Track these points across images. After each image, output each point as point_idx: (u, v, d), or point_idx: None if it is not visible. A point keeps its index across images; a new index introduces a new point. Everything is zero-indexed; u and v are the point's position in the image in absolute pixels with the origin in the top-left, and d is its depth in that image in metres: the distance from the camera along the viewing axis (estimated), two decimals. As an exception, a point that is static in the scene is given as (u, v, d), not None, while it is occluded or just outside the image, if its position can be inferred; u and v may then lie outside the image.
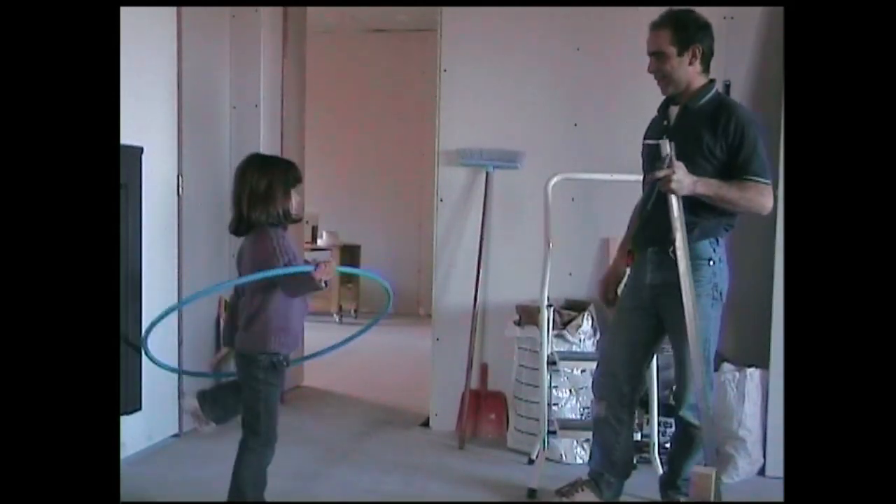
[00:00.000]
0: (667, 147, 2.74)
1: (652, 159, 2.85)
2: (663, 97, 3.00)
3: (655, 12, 2.95)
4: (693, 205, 2.77)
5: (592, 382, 3.18)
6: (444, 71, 4.20)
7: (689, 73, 2.88)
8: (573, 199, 4.06)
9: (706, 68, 2.91)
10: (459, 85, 4.19)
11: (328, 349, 3.19)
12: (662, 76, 2.91)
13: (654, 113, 3.06)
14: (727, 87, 3.82)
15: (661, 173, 2.72)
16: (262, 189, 2.79)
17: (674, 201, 2.73)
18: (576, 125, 4.10)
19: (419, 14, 7.42)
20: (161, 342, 3.80)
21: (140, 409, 3.49)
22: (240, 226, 2.84)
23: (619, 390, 3.05)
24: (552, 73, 4.13)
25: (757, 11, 3.91)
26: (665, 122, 2.97)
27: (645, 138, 3.04)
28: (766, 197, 2.80)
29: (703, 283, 2.81)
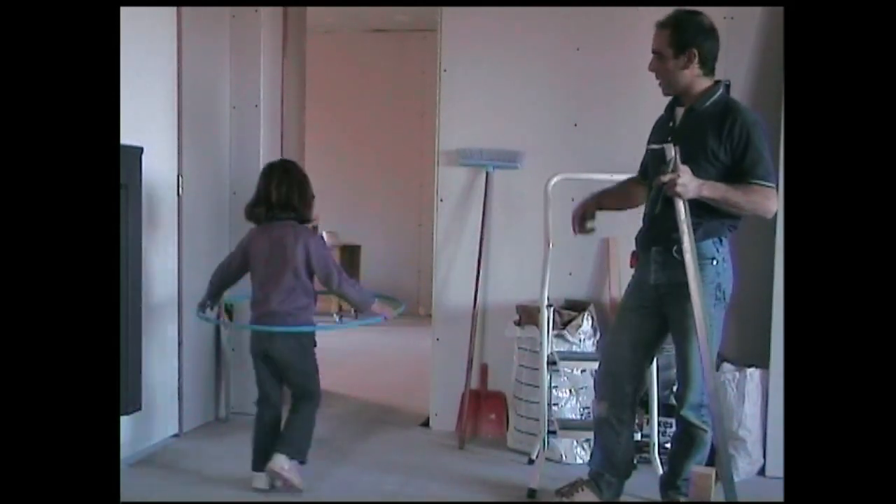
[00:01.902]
0: (671, 151, 2.73)
1: (657, 163, 2.84)
2: (667, 97, 3.00)
3: (656, 12, 2.95)
4: (697, 205, 2.77)
5: (594, 382, 3.18)
6: (444, 71, 4.20)
7: (687, 76, 2.87)
8: (573, 200, 4.04)
9: (709, 71, 2.90)
10: (459, 85, 4.18)
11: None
12: (660, 76, 2.92)
13: (653, 113, 3.07)
14: (727, 87, 3.81)
15: (665, 178, 2.72)
16: (308, 189, 3.36)
17: (679, 205, 2.73)
18: (576, 125, 4.10)
19: (419, 14, 7.42)
20: (161, 342, 3.81)
21: (140, 409, 3.49)
22: (269, 212, 3.30)
23: (620, 390, 3.05)
24: (552, 73, 4.12)
25: (757, 11, 3.91)
26: (671, 124, 2.97)
27: (650, 138, 3.03)
28: (770, 200, 2.80)
29: (706, 283, 2.80)
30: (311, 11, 5.26)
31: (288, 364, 3.32)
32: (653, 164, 2.93)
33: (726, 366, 3.63)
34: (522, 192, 4.12)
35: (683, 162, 2.73)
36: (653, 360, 3.26)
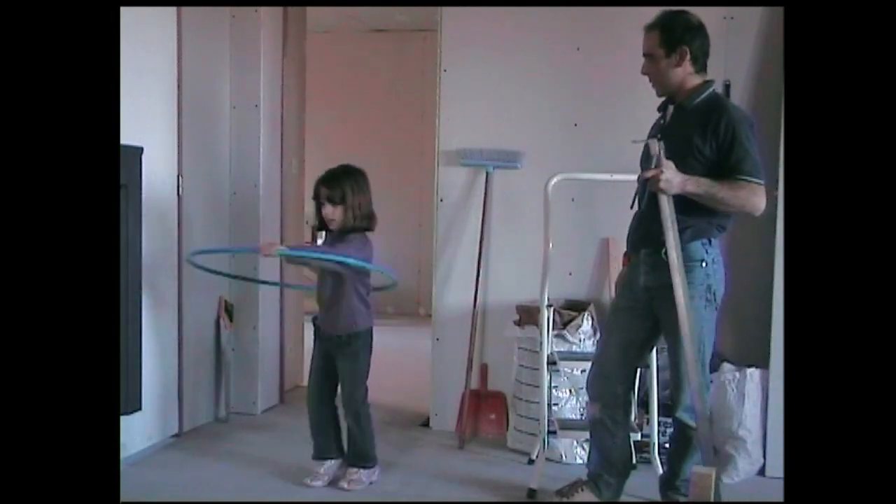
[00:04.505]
0: (655, 146, 2.74)
1: (643, 159, 2.85)
2: (661, 97, 3.00)
3: (656, 12, 2.95)
4: (685, 206, 2.76)
5: (586, 384, 3.18)
6: (444, 71, 4.20)
7: (679, 74, 2.87)
8: (573, 199, 4.06)
9: (701, 68, 2.90)
10: (459, 85, 4.18)
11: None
12: (653, 78, 2.93)
13: (653, 112, 3.07)
14: (727, 87, 3.82)
15: (649, 173, 2.72)
16: None
17: (664, 201, 2.72)
18: (576, 125, 4.09)
19: (419, 14, 7.42)
20: (161, 342, 3.81)
21: (140, 409, 3.49)
22: None
23: (612, 391, 3.05)
24: (552, 73, 4.12)
25: (757, 11, 3.91)
26: (662, 122, 2.98)
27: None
28: (758, 197, 2.77)
29: (695, 285, 2.80)
30: (311, 11, 5.26)
31: None
32: (641, 159, 2.95)
33: (726, 366, 3.63)
34: (522, 192, 4.12)
35: (671, 158, 2.73)
36: (645, 360, 3.27)
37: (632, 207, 3.02)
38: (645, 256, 2.93)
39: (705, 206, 2.79)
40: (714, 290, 2.86)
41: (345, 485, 3.36)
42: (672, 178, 2.70)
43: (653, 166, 2.72)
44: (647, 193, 2.82)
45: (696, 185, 2.74)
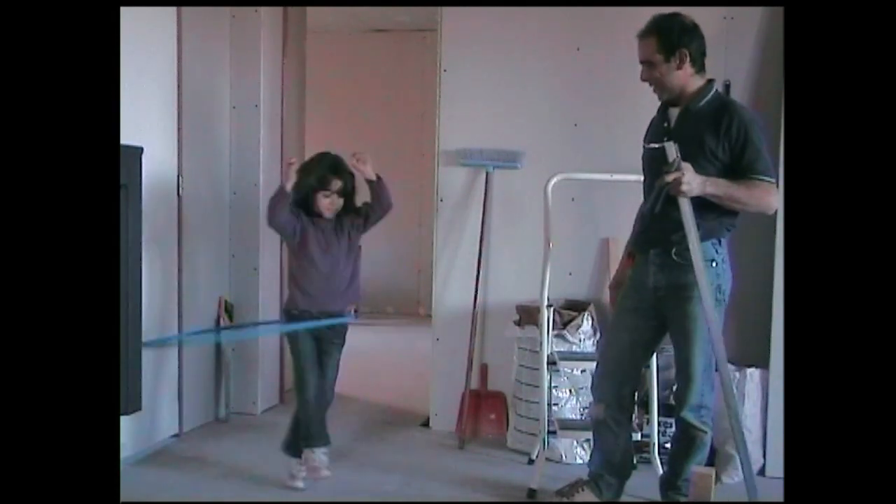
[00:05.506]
0: (673, 150, 2.71)
1: (656, 163, 2.82)
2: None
3: (657, 12, 2.94)
4: (696, 206, 2.76)
5: (591, 384, 3.18)
6: (444, 71, 4.20)
7: (681, 77, 2.86)
8: (573, 199, 4.06)
9: (700, 69, 2.89)
10: (459, 85, 4.18)
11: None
12: (655, 84, 2.91)
13: (654, 113, 3.06)
14: (727, 87, 3.82)
15: (670, 177, 2.70)
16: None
17: (684, 204, 2.71)
18: (576, 125, 4.09)
19: (419, 14, 7.42)
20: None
21: (140, 409, 3.48)
22: None
23: (617, 392, 3.05)
24: (552, 73, 4.12)
25: (757, 11, 3.91)
26: (665, 124, 2.96)
27: (645, 140, 3.02)
28: (772, 196, 2.80)
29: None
30: (311, 11, 5.26)
31: None
32: (652, 164, 2.92)
33: (726, 366, 3.63)
34: (522, 192, 4.12)
35: (682, 160, 2.73)
36: (650, 361, 3.27)
37: (646, 210, 2.98)
38: (654, 256, 2.92)
39: (716, 205, 2.79)
40: (724, 290, 2.87)
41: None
42: (692, 181, 2.69)
43: (673, 170, 2.70)
44: (664, 195, 2.80)
45: (715, 187, 2.74)
